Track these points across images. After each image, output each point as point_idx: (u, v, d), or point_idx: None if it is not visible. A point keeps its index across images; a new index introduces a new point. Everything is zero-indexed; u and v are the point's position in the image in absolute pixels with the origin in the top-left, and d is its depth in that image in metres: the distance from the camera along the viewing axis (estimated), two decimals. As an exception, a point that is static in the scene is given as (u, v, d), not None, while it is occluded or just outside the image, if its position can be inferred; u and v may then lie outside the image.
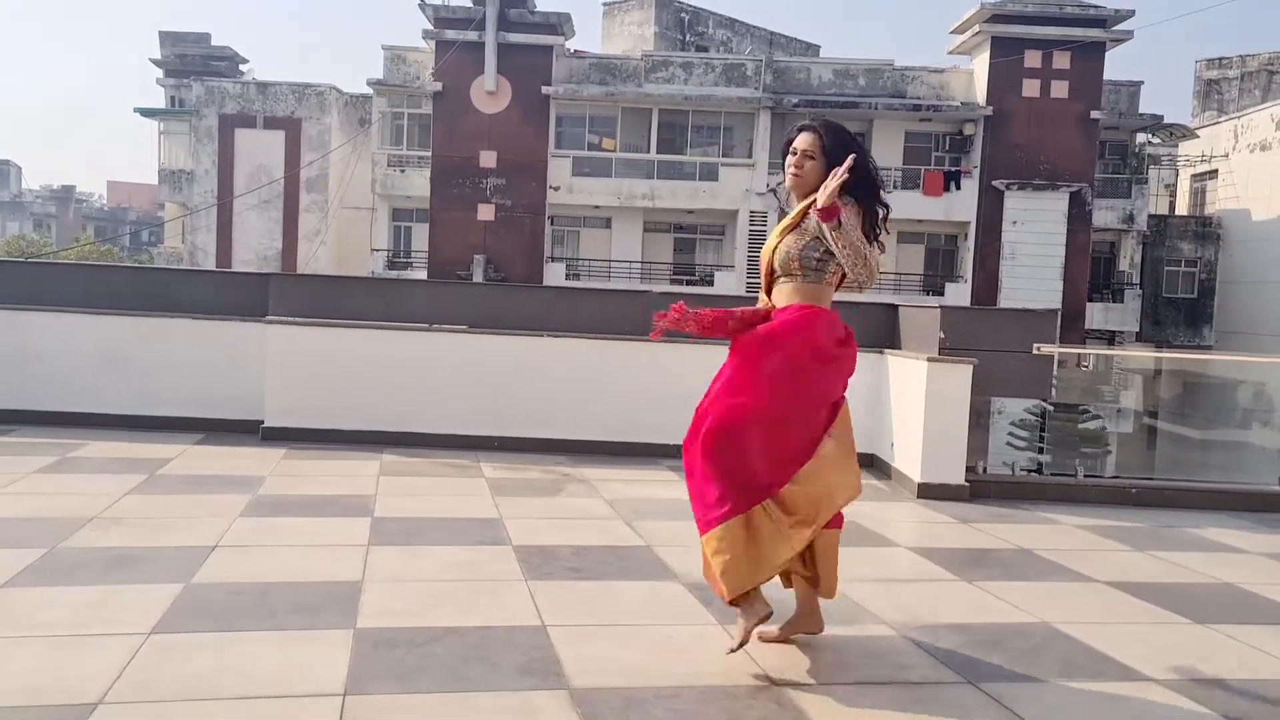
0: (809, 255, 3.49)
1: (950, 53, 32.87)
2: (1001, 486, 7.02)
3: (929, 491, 6.78)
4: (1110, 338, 31.30)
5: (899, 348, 7.83)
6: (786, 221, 3.57)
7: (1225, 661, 3.86)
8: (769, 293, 3.64)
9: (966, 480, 6.84)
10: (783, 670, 3.48)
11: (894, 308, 8.22)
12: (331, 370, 7.83)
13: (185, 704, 3.01)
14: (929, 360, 6.87)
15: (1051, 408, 9.04)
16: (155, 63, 40.26)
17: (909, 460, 7.07)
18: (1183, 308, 35.36)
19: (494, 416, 7.85)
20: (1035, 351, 7.00)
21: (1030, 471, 7.49)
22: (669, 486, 6.78)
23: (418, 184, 32.00)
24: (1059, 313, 8.51)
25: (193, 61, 39.49)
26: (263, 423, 7.77)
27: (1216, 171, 36.95)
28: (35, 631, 3.55)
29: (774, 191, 29.25)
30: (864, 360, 7.83)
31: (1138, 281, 33.35)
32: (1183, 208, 39.22)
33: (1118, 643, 3.95)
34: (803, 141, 3.52)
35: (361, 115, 36.25)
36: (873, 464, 7.78)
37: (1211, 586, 4.96)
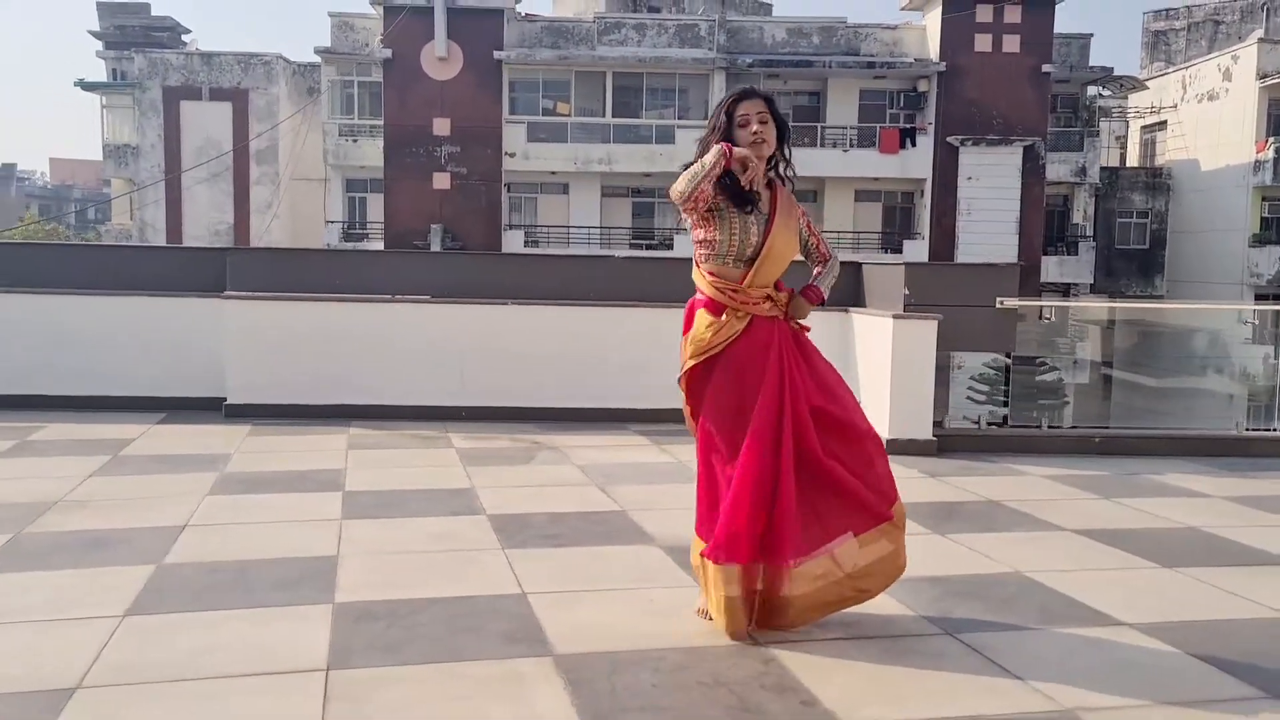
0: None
1: (903, 9, 32.84)
2: (968, 440, 7.10)
3: (897, 447, 6.80)
4: (1065, 290, 31.64)
5: (863, 305, 7.86)
6: (779, 219, 3.43)
7: (1195, 604, 3.94)
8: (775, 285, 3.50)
9: (934, 435, 6.91)
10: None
11: (858, 265, 8.24)
12: (293, 345, 7.73)
13: (164, 685, 2.97)
14: (894, 317, 6.91)
15: (1010, 361, 9.12)
16: (94, 35, 39.27)
17: (877, 416, 7.06)
18: (1135, 258, 35.83)
19: (459, 387, 7.80)
20: (998, 305, 7.06)
21: (994, 425, 7.57)
22: (640, 451, 6.79)
23: (371, 153, 31.49)
24: (1019, 266, 8.56)
25: (133, 33, 38.52)
26: (225, 400, 7.67)
27: (1166, 123, 37.36)
28: (11, 618, 3.49)
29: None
30: (829, 318, 7.96)
31: (1091, 234, 33.73)
32: (1133, 159, 39.66)
33: (1090, 589, 4.02)
34: (757, 105, 3.41)
35: (310, 84, 35.57)
36: (840, 422, 7.82)
37: (1177, 531, 5.05)
